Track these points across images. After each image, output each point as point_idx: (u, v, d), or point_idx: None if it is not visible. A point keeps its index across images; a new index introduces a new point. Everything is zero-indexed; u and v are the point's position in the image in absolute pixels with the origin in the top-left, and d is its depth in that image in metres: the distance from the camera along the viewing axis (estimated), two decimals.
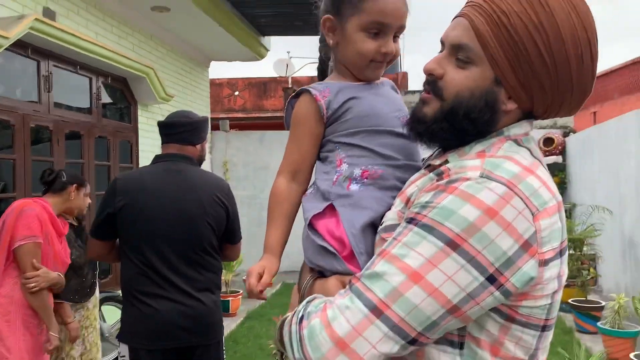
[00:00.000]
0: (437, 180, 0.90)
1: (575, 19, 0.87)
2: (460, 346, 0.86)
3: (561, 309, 6.28)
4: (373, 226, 1.00)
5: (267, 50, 8.86)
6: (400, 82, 15.74)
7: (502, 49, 0.89)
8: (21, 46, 4.42)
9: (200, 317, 2.22)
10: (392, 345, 0.81)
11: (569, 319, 6.04)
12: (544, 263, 0.84)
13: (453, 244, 0.80)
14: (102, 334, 4.07)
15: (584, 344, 5.27)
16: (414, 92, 9.85)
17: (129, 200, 2.23)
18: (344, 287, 0.93)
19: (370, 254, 0.98)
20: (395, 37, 1.12)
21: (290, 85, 11.85)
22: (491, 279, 0.80)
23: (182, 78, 7.80)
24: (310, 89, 1.13)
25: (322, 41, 1.22)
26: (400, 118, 1.13)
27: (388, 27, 1.10)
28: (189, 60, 8.05)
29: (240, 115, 15.31)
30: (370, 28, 1.09)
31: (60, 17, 4.99)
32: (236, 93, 16.68)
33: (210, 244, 2.30)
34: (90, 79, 5.72)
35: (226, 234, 2.36)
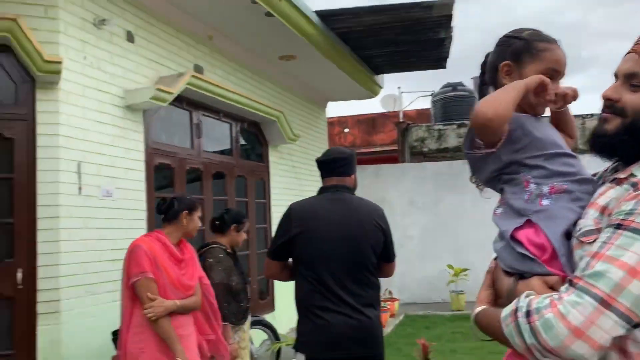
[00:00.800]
0: (635, 191, 1.08)
1: None
2: (636, 326, 1.03)
3: None
4: (567, 232, 1.21)
5: (381, 87, 9.24)
6: None
7: None
8: (177, 99, 5.09)
9: (366, 330, 2.48)
10: (619, 329, 0.99)
11: None
12: None
13: None
14: (251, 355, 4.47)
15: None
16: None
17: (304, 227, 2.56)
18: (547, 285, 1.14)
19: (567, 255, 1.17)
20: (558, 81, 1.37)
21: (401, 120, 12.09)
22: None
23: (303, 119, 8.36)
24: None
25: (483, 80, 1.48)
26: (564, 143, 1.35)
27: (559, 74, 1.34)
28: (309, 102, 8.63)
29: None
30: (546, 73, 1.30)
31: (206, 72, 5.69)
32: (346, 130, 17.24)
33: (372, 263, 2.57)
34: (230, 125, 6.38)
35: (384, 253, 2.64)
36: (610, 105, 1.18)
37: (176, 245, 3.12)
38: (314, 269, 2.53)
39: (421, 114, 15.78)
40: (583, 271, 1.04)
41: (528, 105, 1.34)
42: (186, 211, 3.14)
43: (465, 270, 8.58)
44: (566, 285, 1.07)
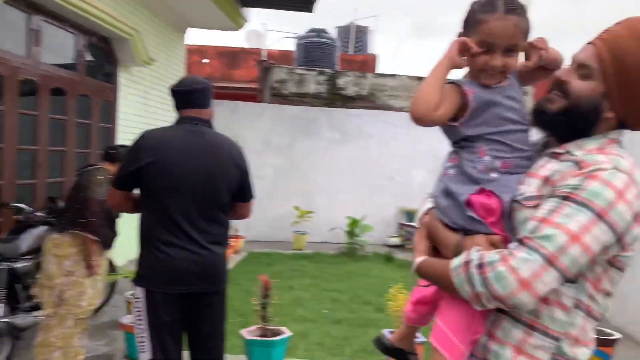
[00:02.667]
0: (580, 169, 1.22)
1: None
2: (575, 281, 1.23)
3: None
4: (511, 201, 1.34)
5: (246, 21, 8.94)
6: (370, 64, 15.99)
7: (616, 76, 1.22)
8: None
9: (210, 266, 2.44)
10: (557, 283, 1.17)
11: None
12: None
13: (600, 216, 1.15)
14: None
15: None
16: (384, 75, 10.15)
17: (156, 156, 2.39)
18: (490, 243, 1.28)
19: (508, 219, 1.33)
20: (511, 52, 1.36)
21: (264, 58, 11.89)
22: (618, 239, 1.18)
23: (160, 42, 7.82)
24: (461, 84, 1.38)
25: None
26: (520, 114, 1.42)
27: (495, 46, 1.33)
28: (168, 24, 8.06)
29: None
30: (481, 45, 1.34)
31: None
32: (205, 60, 16.53)
33: (225, 201, 2.51)
34: (77, 37, 5.74)
35: (240, 192, 2.58)
36: (559, 85, 1.31)
37: None
38: (162, 202, 2.41)
39: (284, 56, 15.65)
40: (532, 233, 1.19)
41: (476, 77, 1.39)
42: None
43: (310, 212, 8.93)
44: (516, 243, 1.20)
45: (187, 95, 2.55)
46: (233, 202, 2.59)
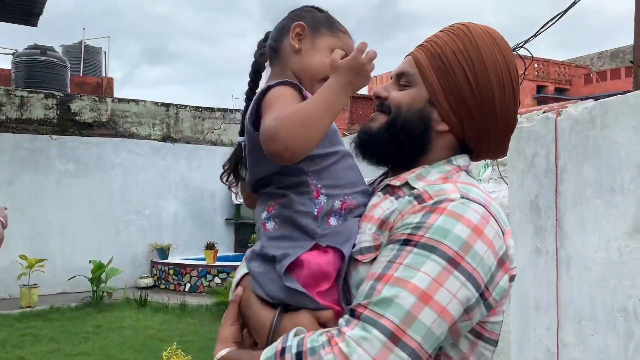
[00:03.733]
0: (419, 203, 0.94)
1: (498, 55, 1.03)
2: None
3: None
4: None
5: None
6: (106, 87, 14.72)
7: (436, 75, 1.03)
8: None
9: None
10: None
11: None
12: (512, 278, 0.95)
13: (454, 262, 0.86)
14: None
15: None
16: (126, 100, 9.28)
17: None
18: (319, 321, 0.93)
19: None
20: None
21: None
22: (482, 295, 0.88)
23: None
24: (296, 83, 1.06)
25: (266, 45, 1.19)
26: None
27: None
28: None
29: None
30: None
31: None
32: None
33: None
34: None
35: None
36: (380, 103, 1.11)
37: None
38: None
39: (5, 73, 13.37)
40: (368, 298, 0.87)
41: (309, 81, 1.10)
42: None
43: (42, 260, 7.53)
44: (347, 316, 0.87)
45: None
46: None
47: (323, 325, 0.94)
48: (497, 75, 1.02)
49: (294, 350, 0.85)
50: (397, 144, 1.05)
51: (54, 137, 8.21)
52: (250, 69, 1.19)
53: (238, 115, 9.47)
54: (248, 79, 1.19)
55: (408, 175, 1.03)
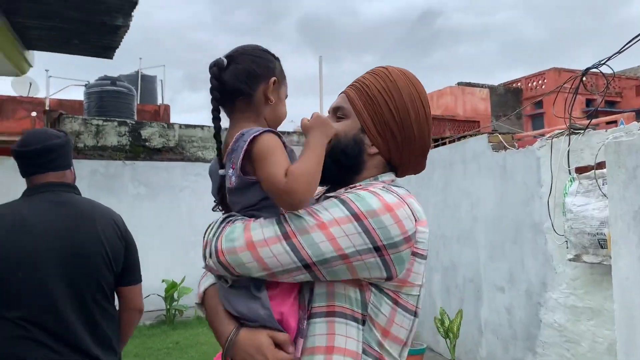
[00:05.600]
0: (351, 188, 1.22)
1: (412, 88, 1.30)
2: (363, 322, 1.13)
3: None
4: None
5: (31, 66, 7.74)
6: (163, 114, 15.32)
7: (365, 108, 1.28)
8: None
9: None
10: (289, 261, 1.07)
11: None
12: (415, 254, 1.16)
13: (356, 217, 1.09)
14: None
15: None
16: (192, 125, 9.69)
17: (3, 246, 1.73)
18: (275, 341, 1.09)
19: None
20: None
21: (48, 107, 10.49)
22: (377, 249, 1.10)
23: None
24: (278, 133, 1.24)
25: (221, 76, 1.27)
26: None
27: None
28: None
29: None
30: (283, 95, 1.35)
31: None
32: None
33: (110, 287, 1.93)
34: None
35: (125, 272, 2.01)
36: None
37: None
38: (20, 307, 1.74)
39: (68, 105, 14.12)
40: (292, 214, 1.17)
41: (275, 127, 1.30)
42: None
43: None
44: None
45: (42, 155, 1.94)
46: (117, 289, 2.02)
47: (278, 346, 1.10)
48: (412, 103, 1.28)
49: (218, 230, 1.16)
50: (337, 165, 1.27)
51: (127, 162, 8.66)
52: (213, 96, 1.25)
53: (294, 137, 9.75)
54: (211, 107, 1.26)
55: (343, 189, 1.26)
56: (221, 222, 1.14)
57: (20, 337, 1.73)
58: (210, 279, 1.24)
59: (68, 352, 1.76)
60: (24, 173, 1.97)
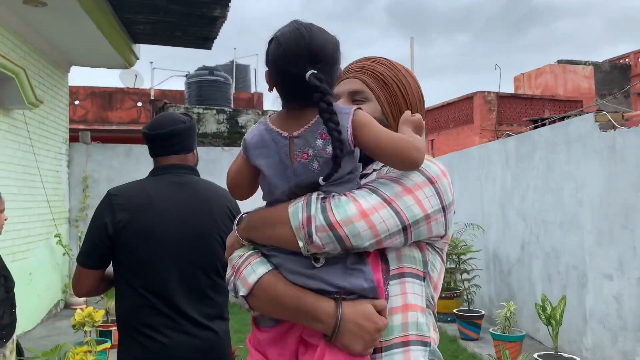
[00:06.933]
0: None
1: (413, 78, 1.42)
2: (424, 279, 1.25)
3: (444, 320, 6.78)
4: None
5: (137, 58, 8.30)
6: (257, 102, 15.80)
7: (382, 92, 1.36)
8: None
9: (212, 350, 1.97)
10: (394, 225, 1.15)
11: (450, 328, 6.54)
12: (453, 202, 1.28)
13: (430, 181, 1.21)
14: None
15: (472, 349, 5.75)
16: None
17: (133, 220, 1.91)
18: (375, 309, 1.15)
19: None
20: None
21: (153, 97, 11.17)
22: (443, 209, 1.21)
23: (42, 82, 6.93)
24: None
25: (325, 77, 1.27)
26: None
27: None
28: (50, 62, 7.19)
29: (81, 127, 13.87)
30: None
31: None
32: (77, 102, 15.23)
33: (222, 264, 2.03)
34: None
35: None
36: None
37: None
38: (145, 277, 1.91)
39: (170, 95, 14.95)
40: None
41: None
42: None
43: None
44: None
45: (167, 139, 2.10)
46: None
47: (380, 313, 1.15)
48: (417, 90, 1.40)
49: (317, 205, 1.13)
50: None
51: (225, 148, 9.05)
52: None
53: None
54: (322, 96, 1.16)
55: (374, 164, 1.36)
56: (316, 200, 1.13)
57: (143, 305, 1.91)
58: (261, 268, 1.19)
59: (185, 322, 1.91)
60: (152, 154, 2.14)
